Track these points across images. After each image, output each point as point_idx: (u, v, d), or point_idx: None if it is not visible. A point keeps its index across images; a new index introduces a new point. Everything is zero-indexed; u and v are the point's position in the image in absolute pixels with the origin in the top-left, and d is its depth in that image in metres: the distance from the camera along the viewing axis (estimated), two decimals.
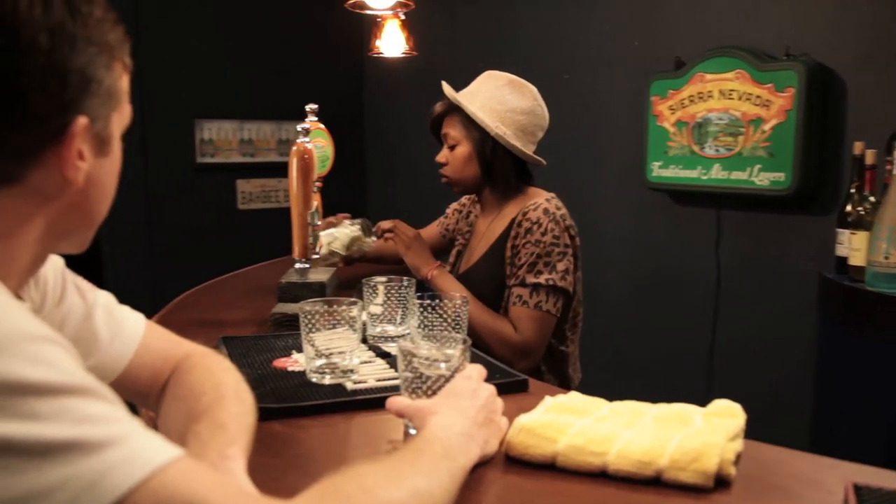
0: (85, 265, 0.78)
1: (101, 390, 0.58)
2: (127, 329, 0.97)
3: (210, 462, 0.78)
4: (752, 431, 0.98)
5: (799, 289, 2.58)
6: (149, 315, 1.06)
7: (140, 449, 0.56)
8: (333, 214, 2.12)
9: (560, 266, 1.75)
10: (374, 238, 2.00)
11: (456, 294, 1.39)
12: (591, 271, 3.16)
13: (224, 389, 0.92)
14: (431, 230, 2.25)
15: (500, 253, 1.84)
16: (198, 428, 0.84)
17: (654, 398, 1.08)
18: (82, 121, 0.69)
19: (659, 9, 2.99)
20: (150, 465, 0.55)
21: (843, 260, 2.11)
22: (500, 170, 1.88)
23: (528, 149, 1.88)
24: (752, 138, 2.62)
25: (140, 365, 0.97)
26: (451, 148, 1.92)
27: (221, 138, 4.20)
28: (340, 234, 1.99)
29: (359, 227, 2.00)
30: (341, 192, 4.23)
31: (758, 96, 2.60)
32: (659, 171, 2.91)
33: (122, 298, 1.00)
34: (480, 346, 1.71)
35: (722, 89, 2.70)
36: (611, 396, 1.08)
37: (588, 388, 1.37)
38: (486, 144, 1.86)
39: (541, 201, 1.82)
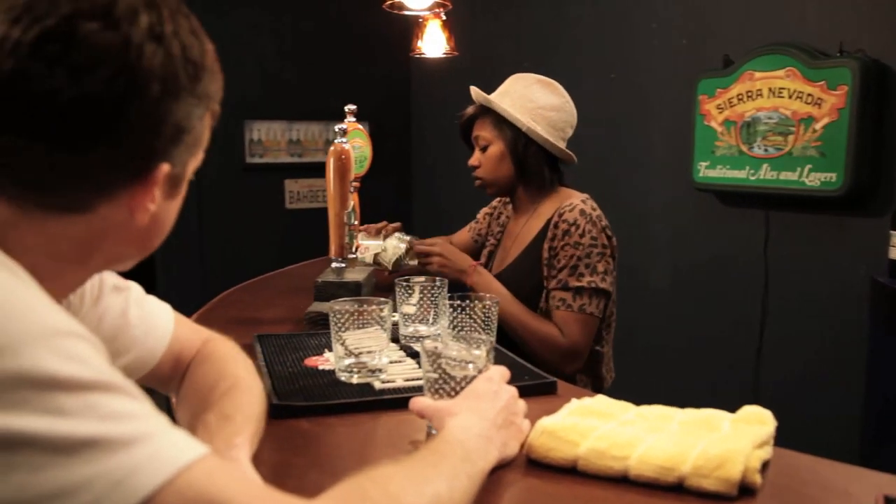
0: (138, 264, 0.80)
1: (128, 387, 0.58)
2: (159, 323, 1.00)
3: (217, 450, 0.79)
4: (797, 440, 0.96)
5: (850, 293, 2.50)
6: (192, 312, 1.09)
7: (166, 447, 0.56)
8: (381, 220, 2.15)
9: (600, 267, 1.75)
10: (415, 262, 2.01)
11: (486, 294, 1.39)
12: (636, 272, 3.13)
13: (234, 380, 0.95)
14: (463, 235, 2.26)
15: (537, 254, 1.83)
16: (207, 417, 0.87)
17: (697, 404, 1.05)
18: (165, 168, 0.70)
19: (707, 6, 2.94)
20: (176, 464, 0.55)
21: None
22: (534, 166, 1.89)
23: (560, 145, 1.88)
24: (802, 138, 2.55)
25: (167, 356, 1.01)
26: (483, 150, 1.93)
27: (270, 139, 4.27)
28: (389, 247, 2.01)
29: (406, 245, 2.01)
30: (386, 193, 4.28)
31: (809, 94, 2.53)
32: (706, 171, 2.86)
33: (173, 296, 1.03)
34: (526, 350, 1.71)
35: (771, 87, 2.63)
36: (652, 400, 1.06)
37: (628, 391, 1.36)
38: (518, 142, 1.87)
39: (576, 202, 1.81)
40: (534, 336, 1.74)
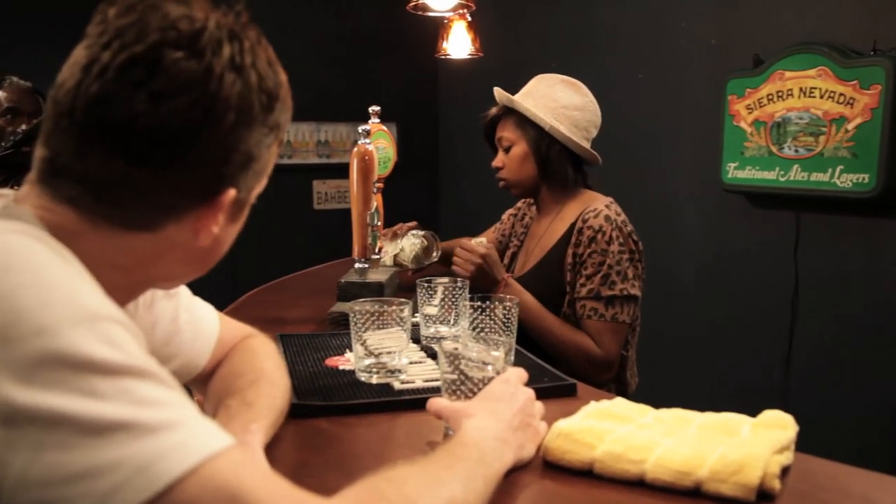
0: None
1: (162, 375, 0.60)
2: (206, 327, 1.04)
3: (232, 433, 0.82)
4: (828, 445, 0.94)
5: (882, 297, 2.45)
6: (220, 311, 1.11)
7: (194, 435, 0.58)
8: (409, 220, 2.14)
9: (630, 273, 1.75)
10: (437, 254, 2.01)
11: (507, 296, 1.38)
12: (664, 275, 3.10)
13: (261, 373, 0.99)
14: (488, 236, 2.25)
15: (560, 258, 1.82)
16: (229, 402, 0.91)
17: (724, 408, 1.04)
18: (231, 193, 0.72)
19: (737, 5, 2.90)
20: (202, 453, 0.57)
21: None
22: (557, 166, 1.88)
23: (584, 144, 1.87)
24: (834, 138, 2.51)
25: (212, 360, 1.04)
26: (507, 150, 1.92)
27: (299, 140, 4.30)
28: (406, 246, 2.02)
29: (422, 241, 2.01)
30: (413, 193, 4.29)
31: (841, 94, 2.48)
32: (735, 172, 2.82)
33: (203, 295, 1.06)
34: (559, 360, 1.71)
35: (802, 87, 2.59)
36: (677, 404, 1.05)
37: (652, 394, 1.35)
38: (541, 141, 1.87)
39: (600, 207, 1.79)
40: (569, 348, 1.74)
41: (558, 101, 1.86)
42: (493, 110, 1.96)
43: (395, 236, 2.04)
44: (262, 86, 0.71)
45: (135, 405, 0.56)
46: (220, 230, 0.75)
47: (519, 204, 2.19)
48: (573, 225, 1.82)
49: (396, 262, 2.02)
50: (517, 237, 2.11)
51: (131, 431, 0.54)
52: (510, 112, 1.91)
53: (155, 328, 0.95)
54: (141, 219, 0.70)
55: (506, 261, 2.07)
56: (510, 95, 1.91)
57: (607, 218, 1.77)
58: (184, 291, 1.02)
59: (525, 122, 1.88)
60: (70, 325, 0.56)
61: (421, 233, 2.03)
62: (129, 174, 0.67)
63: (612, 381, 1.81)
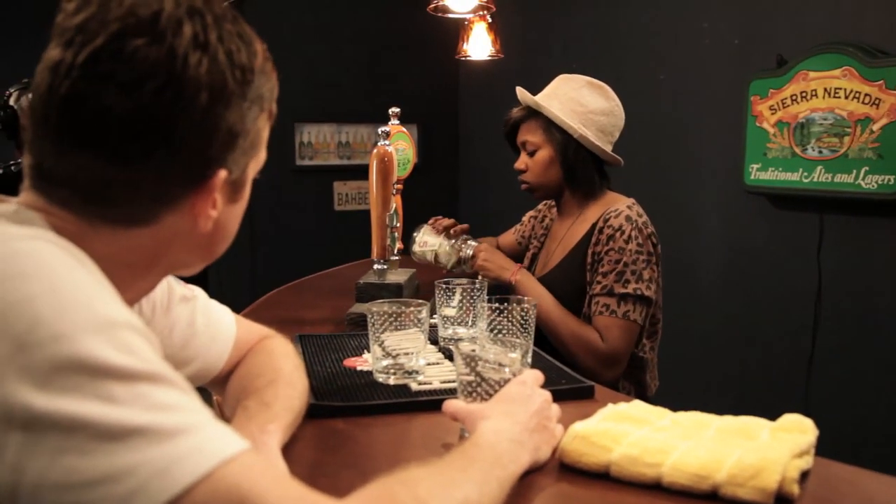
0: None
1: (177, 379, 0.60)
2: (223, 330, 1.04)
3: (250, 433, 0.84)
4: (850, 452, 0.93)
5: None
6: (240, 312, 1.13)
7: (209, 440, 0.58)
8: (420, 221, 2.09)
9: (646, 275, 1.72)
10: (465, 268, 1.96)
11: (526, 297, 1.38)
12: (685, 277, 3.08)
13: (279, 373, 0.99)
14: (508, 238, 2.24)
15: (581, 258, 1.81)
16: (247, 403, 0.92)
17: (745, 411, 1.03)
18: (222, 174, 0.71)
19: (760, 4, 2.87)
20: (217, 457, 0.57)
21: None
22: (583, 172, 1.86)
23: (608, 149, 1.86)
24: (859, 139, 2.48)
25: (228, 363, 1.05)
26: (531, 154, 1.89)
27: (320, 141, 4.32)
28: (441, 253, 1.98)
29: (457, 255, 1.95)
30: (434, 194, 4.30)
31: (867, 94, 2.45)
32: (757, 173, 2.79)
33: (224, 296, 1.08)
34: (566, 354, 1.70)
35: (827, 87, 2.56)
36: (696, 406, 1.04)
37: (672, 398, 1.34)
38: (568, 147, 1.84)
39: (622, 208, 1.78)
40: (573, 339, 1.72)
41: (586, 106, 1.83)
42: (516, 112, 1.93)
43: (445, 232, 2.00)
44: (233, 60, 0.69)
45: (151, 410, 0.56)
46: (221, 213, 0.74)
47: (539, 206, 2.18)
48: (594, 225, 1.80)
49: (434, 258, 1.99)
50: (537, 238, 2.10)
51: (148, 436, 0.55)
52: (534, 114, 1.88)
53: (172, 332, 0.96)
54: (135, 214, 0.69)
55: (526, 262, 2.07)
56: (535, 98, 1.88)
57: (628, 218, 1.75)
58: (200, 295, 1.02)
59: (551, 126, 1.85)
60: (86, 331, 0.56)
61: (459, 246, 1.96)
62: (112, 171, 0.66)
63: (628, 381, 1.79)
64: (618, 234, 1.74)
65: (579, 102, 1.83)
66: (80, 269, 0.62)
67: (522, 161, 1.92)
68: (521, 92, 1.90)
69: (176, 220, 0.71)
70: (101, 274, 0.64)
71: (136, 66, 0.64)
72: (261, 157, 0.79)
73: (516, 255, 2.12)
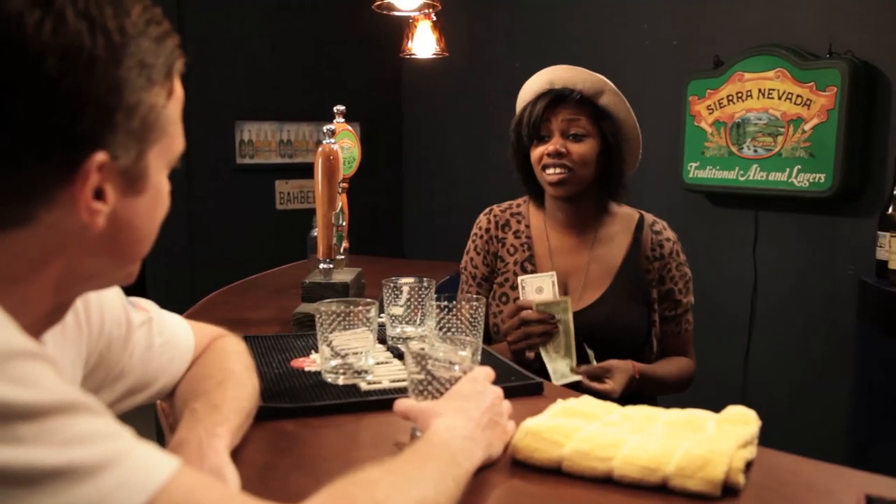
0: None
1: (88, 403, 0.55)
2: (181, 343, 1.01)
3: (197, 437, 0.81)
4: (785, 440, 0.96)
5: (838, 294, 2.51)
6: (180, 313, 1.09)
7: (136, 468, 0.53)
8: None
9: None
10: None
11: (473, 295, 1.38)
12: None
13: (229, 375, 0.97)
14: (477, 262, 1.79)
15: (637, 275, 1.69)
16: (195, 405, 0.88)
17: (685, 403, 1.06)
18: (100, 157, 0.60)
19: (698, 7, 2.94)
20: (149, 487, 0.53)
21: (884, 264, 2.05)
22: (618, 175, 1.72)
23: (636, 163, 1.78)
24: (791, 138, 2.56)
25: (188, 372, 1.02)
26: (575, 138, 1.65)
27: (261, 140, 4.25)
28: (546, 295, 1.59)
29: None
30: (378, 193, 4.28)
31: (798, 95, 2.54)
32: (696, 172, 2.86)
33: (163, 297, 1.04)
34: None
35: (761, 88, 2.64)
36: (637, 400, 1.06)
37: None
38: (617, 144, 1.68)
39: (653, 218, 1.77)
40: (680, 383, 1.72)
41: (630, 111, 1.70)
42: (579, 90, 1.66)
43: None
44: (93, 21, 0.58)
45: (65, 446, 0.50)
46: (118, 207, 0.63)
47: (483, 223, 1.81)
48: (637, 238, 1.72)
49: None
50: (521, 248, 1.76)
51: (66, 477, 0.49)
52: (584, 100, 1.66)
53: (132, 359, 0.91)
54: (4, 213, 0.59)
55: (513, 268, 1.74)
56: (612, 85, 1.67)
57: (667, 226, 1.77)
58: (153, 311, 0.97)
59: (604, 118, 1.66)
60: None
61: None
62: None
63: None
64: (676, 247, 1.74)
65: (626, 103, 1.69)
66: None
67: (561, 142, 1.64)
68: (583, 72, 1.67)
69: (57, 217, 0.60)
70: None
71: None
72: (172, 145, 0.69)
73: (490, 277, 1.79)
